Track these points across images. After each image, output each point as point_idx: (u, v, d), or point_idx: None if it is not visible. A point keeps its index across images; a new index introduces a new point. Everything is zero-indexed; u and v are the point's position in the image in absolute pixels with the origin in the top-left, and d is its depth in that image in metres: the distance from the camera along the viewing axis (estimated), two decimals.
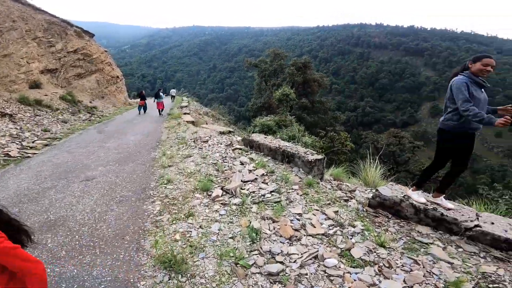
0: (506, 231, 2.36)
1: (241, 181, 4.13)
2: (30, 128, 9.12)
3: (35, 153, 6.41)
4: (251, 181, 4.12)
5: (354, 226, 2.85)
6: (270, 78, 22.14)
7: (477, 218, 2.58)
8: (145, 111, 14.76)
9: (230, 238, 2.75)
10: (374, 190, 4.28)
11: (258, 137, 5.46)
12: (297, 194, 3.68)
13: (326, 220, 2.98)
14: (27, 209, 3.50)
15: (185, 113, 11.96)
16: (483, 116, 2.35)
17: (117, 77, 20.16)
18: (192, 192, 3.87)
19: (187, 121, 9.82)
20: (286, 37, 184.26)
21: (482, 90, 2.63)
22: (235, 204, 3.42)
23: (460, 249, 2.46)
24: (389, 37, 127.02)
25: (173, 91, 25.12)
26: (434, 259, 2.34)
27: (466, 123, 2.57)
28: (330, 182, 4.53)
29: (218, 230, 2.90)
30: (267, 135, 7.68)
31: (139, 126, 10.14)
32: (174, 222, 3.13)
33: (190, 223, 3.07)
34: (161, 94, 14.28)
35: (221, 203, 3.50)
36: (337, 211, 3.15)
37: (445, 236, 2.65)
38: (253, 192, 3.77)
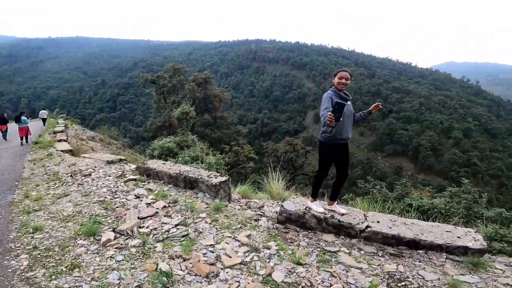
0: (390, 227, 2.71)
1: (138, 218, 3.52)
2: None
3: None
4: (151, 216, 3.56)
5: (269, 248, 2.75)
6: (170, 95, 21.03)
7: (366, 219, 2.91)
8: (5, 138, 11.98)
9: (136, 287, 2.26)
10: (280, 204, 4.39)
11: (156, 164, 4.83)
12: (206, 222, 3.37)
13: (240, 247, 2.79)
14: None
15: (59, 140, 9.74)
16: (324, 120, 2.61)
17: None
18: (73, 239, 3.09)
19: (62, 150, 7.92)
20: (188, 52, 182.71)
21: (348, 103, 2.89)
22: (134, 246, 2.87)
23: (362, 251, 2.67)
24: (280, 52, 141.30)
25: (43, 113, 20.47)
26: (345, 267, 2.45)
27: (337, 134, 2.83)
28: (239, 201, 4.41)
29: (119, 279, 2.34)
30: (168, 158, 7.02)
31: None
32: (54, 277, 2.42)
33: (78, 276, 2.42)
34: (23, 118, 11.33)
35: (116, 248, 2.87)
36: (250, 235, 3.00)
37: (347, 240, 2.86)
38: (155, 228, 3.25)
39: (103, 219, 3.57)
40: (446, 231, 2.64)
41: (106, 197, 4.25)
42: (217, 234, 3.07)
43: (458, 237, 2.53)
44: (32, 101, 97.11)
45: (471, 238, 2.51)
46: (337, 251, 2.68)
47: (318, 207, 3.11)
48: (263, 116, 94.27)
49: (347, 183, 3.19)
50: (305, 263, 2.51)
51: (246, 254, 2.67)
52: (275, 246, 2.78)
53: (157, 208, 3.72)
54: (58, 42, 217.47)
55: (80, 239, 3.09)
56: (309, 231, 3.05)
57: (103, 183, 4.80)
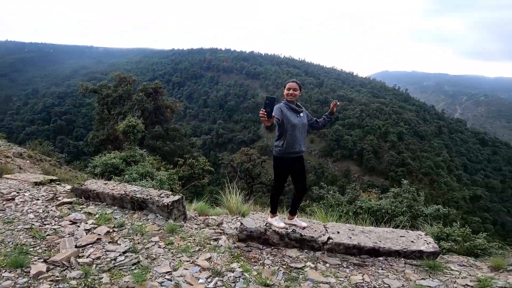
0: (350, 237, 2.74)
1: (76, 246, 3.02)
2: None
3: None
4: (92, 243, 3.08)
5: (232, 271, 2.54)
6: (115, 106, 19.32)
7: (326, 230, 2.90)
8: None
9: None
10: (240, 221, 4.19)
11: (96, 185, 4.23)
12: (160, 247, 3.03)
13: (201, 272, 2.53)
14: None
15: None
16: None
17: None
18: None
19: None
20: (137, 60, 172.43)
21: (301, 114, 2.88)
22: (74, 278, 2.43)
23: (327, 264, 2.62)
24: (235, 62, 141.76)
25: None
26: (314, 284, 2.36)
27: (289, 147, 2.78)
28: (196, 219, 4.09)
29: None
30: (112, 176, 6.31)
31: None
32: None
33: None
34: None
35: (51, 280, 2.42)
36: (210, 257, 2.75)
37: (311, 254, 2.80)
38: (99, 257, 2.81)
39: (31, 249, 2.99)
40: (401, 236, 2.77)
41: (33, 224, 3.55)
42: (173, 259, 2.75)
43: (412, 241, 2.66)
44: None
45: (423, 241, 2.66)
46: (303, 267, 2.59)
47: (278, 222, 3.02)
48: (218, 126, 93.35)
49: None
50: (273, 284, 2.36)
51: (209, 280, 2.42)
52: (239, 267, 2.57)
53: (99, 234, 3.24)
54: None
55: (5, 271, 2.54)
56: (272, 248, 2.92)
57: (30, 208, 4.04)
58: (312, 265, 2.62)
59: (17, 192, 4.73)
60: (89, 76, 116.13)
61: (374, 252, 2.62)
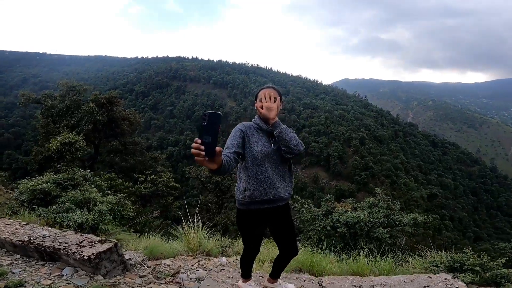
0: None
1: None
2: None
3: None
4: None
5: None
6: (61, 118, 17.09)
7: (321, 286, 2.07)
8: None
9: None
10: (202, 264, 3.22)
11: None
12: None
13: None
14: None
15: None
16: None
17: None
18: None
19: None
20: (96, 68, 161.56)
21: (273, 139, 1.85)
22: None
23: None
24: (202, 71, 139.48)
25: None
26: None
27: (255, 193, 1.77)
28: (142, 266, 3.02)
29: None
30: (37, 207, 4.96)
31: None
32: None
33: None
34: None
35: None
36: None
37: None
38: None
39: None
40: (425, 287, 2.04)
41: None
42: None
43: None
44: None
45: None
46: None
47: None
48: (185, 137, 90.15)
49: None
50: None
51: None
52: None
53: None
54: None
55: None
56: None
57: None
58: None
59: None
60: (40, 85, 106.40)
61: None
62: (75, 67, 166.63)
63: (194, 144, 1.26)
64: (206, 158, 1.28)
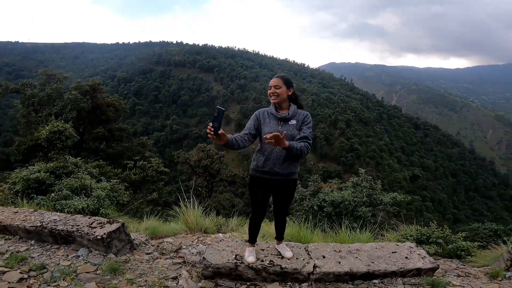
0: (339, 262, 2.30)
1: None
2: None
3: None
4: None
5: None
6: (42, 107, 16.57)
7: (309, 255, 2.43)
8: None
9: None
10: (202, 240, 3.51)
11: (2, 214, 3.18)
12: None
13: None
14: None
15: None
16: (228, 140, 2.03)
17: None
18: None
19: None
20: (74, 55, 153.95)
21: (290, 123, 2.22)
22: None
23: None
24: (187, 55, 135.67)
25: None
26: None
27: (258, 165, 2.24)
28: (147, 245, 3.27)
29: None
30: (34, 195, 5.07)
31: None
32: None
33: None
34: None
35: None
36: None
37: (296, 286, 2.29)
38: None
39: None
40: (392, 252, 2.42)
41: None
42: None
43: (406, 257, 2.34)
44: None
45: (417, 256, 2.36)
46: None
47: (249, 256, 2.41)
48: (171, 122, 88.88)
49: None
50: None
51: None
52: None
53: (9, 283, 2.34)
54: None
55: None
56: (249, 284, 2.34)
57: None
58: None
59: None
60: (14, 74, 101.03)
61: (369, 276, 2.24)
62: (50, 54, 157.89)
63: (208, 128, 1.93)
64: (215, 137, 1.95)
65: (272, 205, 2.58)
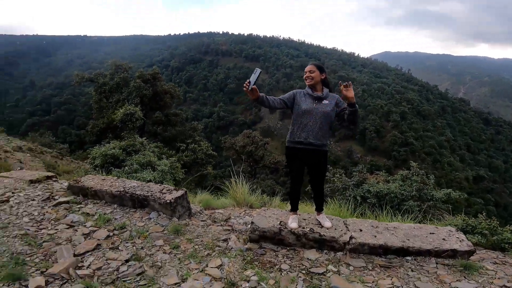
0: (375, 236, 2.48)
1: (74, 255, 2.71)
2: None
3: None
4: (92, 250, 2.78)
5: (247, 280, 2.28)
6: (112, 94, 18.96)
7: (347, 228, 2.65)
8: None
9: None
10: (248, 213, 3.95)
11: (93, 181, 3.97)
12: (165, 252, 2.74)
13: (212, 283, 2.26)
14: None
15: None
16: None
17: None
18: None
19: None
20: (132, 47, 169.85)
21: (324, 102, 2.57)
22: None
23: (351, 267, 2.37)
24: (233, 45, 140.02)
25: None
26: None
27: (293, 136, 2.59)
28: (201, 214, 3.84)
29: None
30: (112, 168, 6.07)
31: None
32: None
33: None
34: None
35: None
36: (221, 264, 2.49)
37: (331, 255, 2.55)
38: (99, 268, 2.52)
39: (28, 258, 2.74)
40: (430, 233, 2.51)
41: (29, 230, 3.26)
42: (181, 268, 2.48)
43: (444, 239, 2.41)
44: None
45: (456, 238, 2.41)
46: (324, 272, 2.34)
47: (292, 222, 2.75)
48: (218, 109, 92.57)
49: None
50: None
51: None
52: (254, 275, 2.32)
53: (98, 239, 2.95)
54: None
55: (3, 284, 2.38)
56: (288, 248, 2.67)
57: (25, 211, 3.73)
58: (335, 269, 2.37)
59: (12, 192, 4.46)
60: (85, 66, 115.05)
61: (402, 252, 2.38)
62: (114, 47, 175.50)
63: (245, 83, 2.31)
64: (248, 91, 2.32)
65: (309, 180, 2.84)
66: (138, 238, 2.97)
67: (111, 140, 10.14)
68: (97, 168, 6.66)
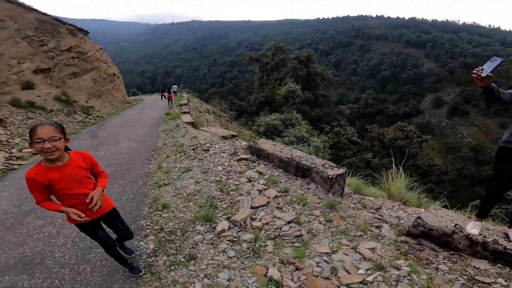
0: None
1: (251, 207, 3.32)
2: (21, 133, 8.57)
3: (20, 164, 5.87)
4: (263, 206, 3.32)
5: (398, 268, 2.27)
6: (272, 72, 21.46)
7: None
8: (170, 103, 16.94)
9: None
10: (403, 211, 3.71)
11: (267, 145, 4.80)
12: (320, 222, 3.01)
13: (361, 261, 2.38)
14: (3, 240, 2.98)
15: (184, 112, 11.31)
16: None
17: (114, 74, 19.51)
18: (193, 223, 3.10)
19: (186, 122, 9.18)
20: (286, 30, 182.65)
21: None
22: (246, 241, 2.71)
23: None
24: (390, 29, 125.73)
25: (174, 87, 24.20)
26: None
27: (508, 135, 2.22)
28: (351, 196, 3.90)
29: (228, 280, 2.27)
30: (274, 137, 7.08)
31: (134, 129, 9.54)
32: (172, 267, 2.48)
33: (192, 271, 2.42)
34: (172, 90, 18.19)
35: (229, 240, 2.76)
36: (374, 248, 2.55)
37: (506, 270, 2.17)
38: (267, 223, 2.99)
39: (219, 203, 3.50)
40: None
41: (221, 177, 4.21)
42: (332, 240, 2.71)
43: None
44: (164, 78, 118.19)
45: None
46: (491, 282, 2.04)
47: (473, 228, 2.39)
48: (367, 96, 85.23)
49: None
50: None
51: (369, 272, 2.25)
52: (406, 266, 2.28)
53: (268, 197, 3.50)
54: (178, 27, 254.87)
55: (198, 223, 3.07)
56: (452, 253, 2.42)
57: (219, 161, 4.93)
58: (505, 283, 2.02)
59: (210, 144, 6.04)
60: (249, 47, 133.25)
61: None
62: (270, 30, 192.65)
63: (476, 69, 2.01)
64: (479, 78, 2.00)
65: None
66: (298, 204, 3.36)
67: (267, 113, 11.79)
68: (260, 134, 7.96)
